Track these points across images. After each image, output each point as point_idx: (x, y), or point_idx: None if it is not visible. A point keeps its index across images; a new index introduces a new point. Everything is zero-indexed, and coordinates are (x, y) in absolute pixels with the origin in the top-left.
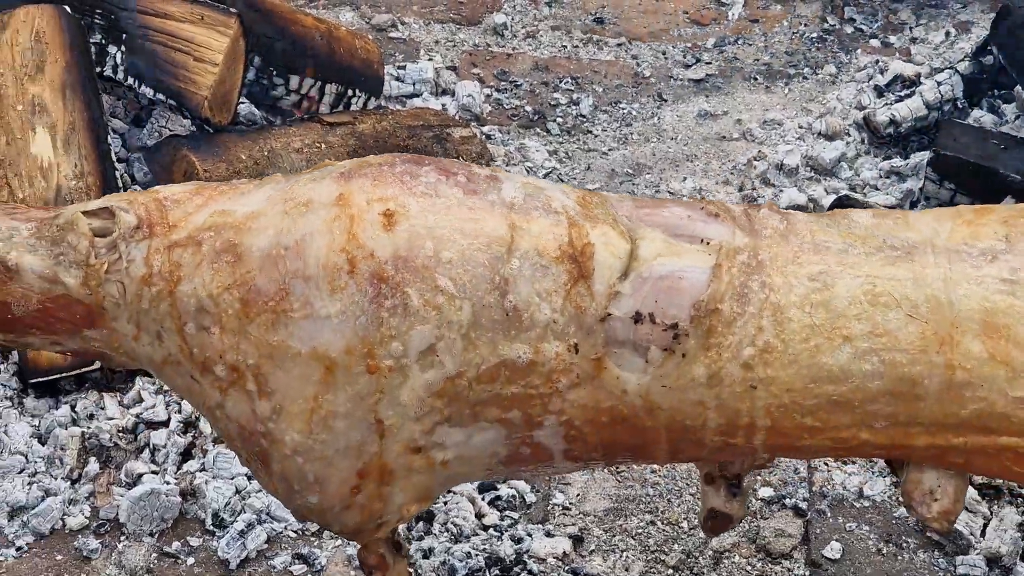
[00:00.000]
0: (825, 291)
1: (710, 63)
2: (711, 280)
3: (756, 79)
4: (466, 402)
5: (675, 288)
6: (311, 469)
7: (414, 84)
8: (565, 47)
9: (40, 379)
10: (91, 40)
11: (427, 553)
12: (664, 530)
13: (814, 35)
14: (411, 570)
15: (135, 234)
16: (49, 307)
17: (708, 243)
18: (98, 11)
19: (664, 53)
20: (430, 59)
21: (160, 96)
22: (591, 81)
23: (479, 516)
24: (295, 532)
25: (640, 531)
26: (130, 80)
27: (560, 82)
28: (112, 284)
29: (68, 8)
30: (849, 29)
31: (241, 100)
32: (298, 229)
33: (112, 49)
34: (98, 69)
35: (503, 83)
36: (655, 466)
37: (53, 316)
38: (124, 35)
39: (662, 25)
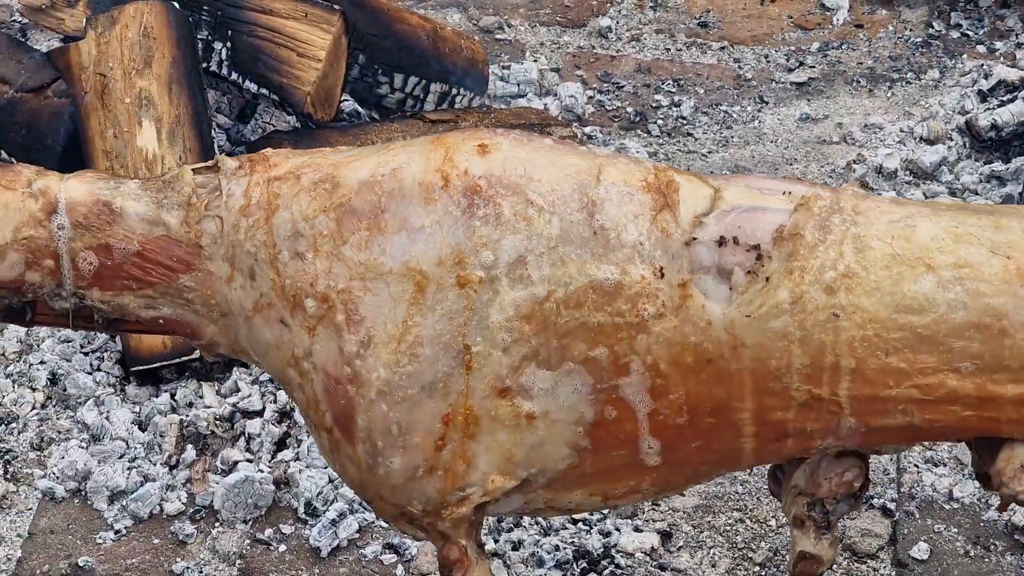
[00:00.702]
0: (907, 229)
1: (813, 67)
2: (793, 212)
3: (859, 83)
4: (554, 331)
5: (758, 217)
6: (396, 417)
7: (519, 84)
8: (668, 50)
9: (142, 367)
10: (198, 36)
11: (516, 545)
12: (752, 528)
13: (919, 40)
14: (500, 561)
15: (236, 172)
16: (148, 249)
17: (790, 194)
18: (205, 7)
19: (767, 57)
20: (535, 60)
21: (264, 91)
22: (693, 83)
23: None
24: (387, 525)
25: (728, 528)
26: (235, 75)
27: (662, 84)
28: (211, 220)
29: (176, 4)
30: (955, 35)
31: (345, 97)
32: (396, 161)
33: (218, 45)
34: (204, 64)
35: (606, 84)
36: None
37: (151, 261)
38: (230, 31)
39: (766, 29)
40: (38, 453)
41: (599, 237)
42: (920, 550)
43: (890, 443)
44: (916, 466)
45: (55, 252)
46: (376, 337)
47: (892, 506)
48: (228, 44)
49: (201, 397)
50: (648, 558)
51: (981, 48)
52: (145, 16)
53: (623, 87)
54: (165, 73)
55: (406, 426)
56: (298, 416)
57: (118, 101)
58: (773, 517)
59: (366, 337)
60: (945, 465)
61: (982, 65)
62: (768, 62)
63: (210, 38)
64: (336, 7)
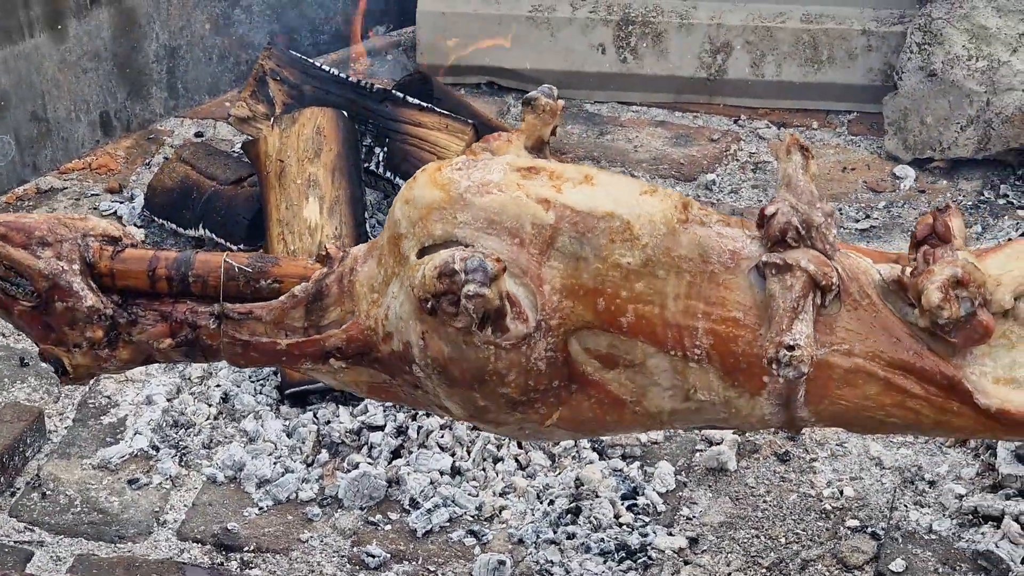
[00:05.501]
0: None
1: (876, 219)
2: None
3: (912, 231)
4: None
5: None
6: None
7: None
8: (760, 200)
9: (294, 390)
10: (363, 143)
11: (571, 535)
12: (765, 542)
13: (970, 203)
14: (556, 547)
15: None
16: None
17: None
18: (370, 120)
19: (840, 210)
20: None
21: None
22: None
23: (617, 516)
24: (472, 517)
25: (745, 541)
26: (388, 174)
27: None
28: None
29: (345, 113)
30: (1001, 201)
31: None
32: None
33: (377, 149)
34: (365, 164)
35: None
36: (767, 497)
37: None
38: (387, 139)
39: (843, 190)
40: (207, 450)
41: None
42: (897, 565)
43: None
44: (905, 506)
45: None
46: None
47: (880, 532)
48: (385, 149)
49: (337, 416)
50: (676, 555)
51: (1022, 212)
52: (319, 118)
53: None
54: (330, 163)
55: None
56: (411, 432)
57: (291, 182)
58: (783, 536)
59: None
60: (930, 507)
61: (1018, 224)
62: (841, 214)
63: (372, 144)
64: (469, 121)
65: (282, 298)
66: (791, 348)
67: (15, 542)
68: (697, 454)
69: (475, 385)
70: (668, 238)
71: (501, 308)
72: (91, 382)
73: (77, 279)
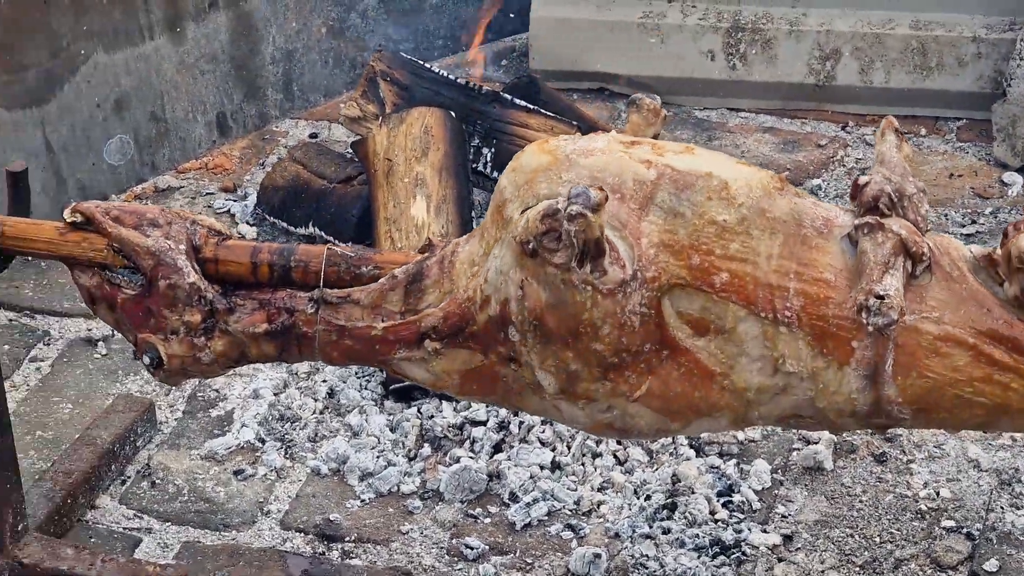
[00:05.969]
0: None
1: (983, 224)
2: None
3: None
4: None
5: None
6: None
7: None
8: None
9: (398, 386)
10: (471, 143)
11: (666, 530)
12: (860, 541)
13: None
14: (652, 541)
15: None
16: None
17: None
18: (478, 120)
19: (946, 216)
20: None
21: None
22: None
23: (712, 513)
24: (570, 511)
25: (840, 539)
26: (496, 174)
27: None
28: None
29: (452, 113)
30: None
31: None
32: None
33: (485, 150)
34: (473, 165)
35: None
36: (863, 497)
37: None
38: (495, 140)
39: (950, 195)
40: (312, 443)
41: None
42: (991, 565)
43: None
44: (1002, 508)
45: None
46: None
47: (976, 533)
48: (493, 149)
49: (440, 411)
50: (770, 552)
51: None
52: (427, 118)
53: None
54: (438, 162)
55: None
56: (513, 428)
57: (399, 180)
58: (878, 535)
59: None
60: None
61: None
62: (946, 219)
63: (480, 144)
64: (574, 123)
65: (381, 280)
66: (881, 297)
67: (124, 529)
68: (794, 453)
69: (569, 339)
70: (764, 200)
71: (600, 244)
72: (185, 383)
73: (182, 257)
